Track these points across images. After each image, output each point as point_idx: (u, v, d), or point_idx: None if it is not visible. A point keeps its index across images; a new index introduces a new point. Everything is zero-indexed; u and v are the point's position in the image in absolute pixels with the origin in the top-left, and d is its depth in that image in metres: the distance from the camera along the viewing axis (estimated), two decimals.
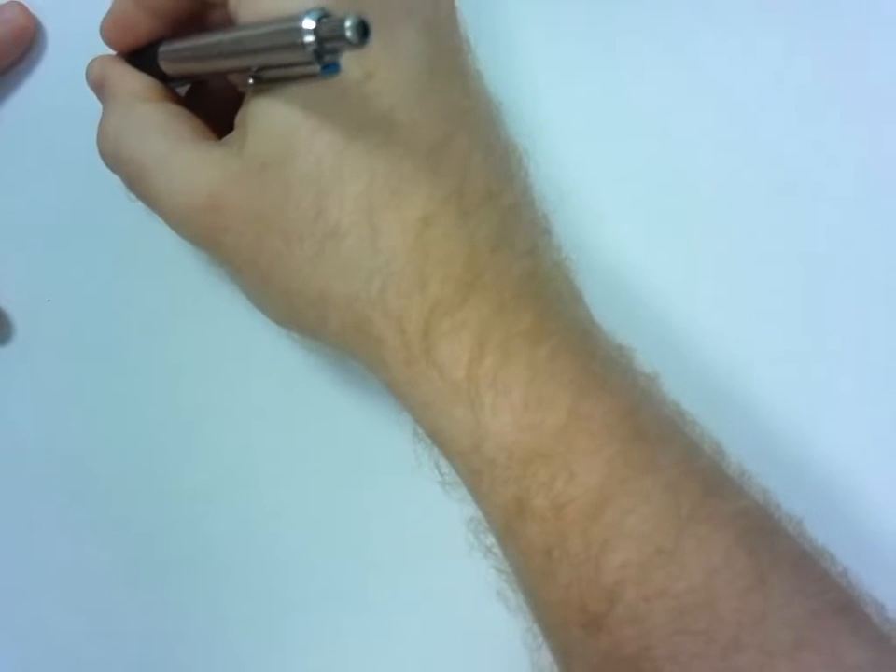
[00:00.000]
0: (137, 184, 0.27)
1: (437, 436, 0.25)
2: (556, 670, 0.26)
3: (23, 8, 0.32)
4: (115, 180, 0.32)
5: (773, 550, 0.24)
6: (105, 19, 0.29)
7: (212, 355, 0.33)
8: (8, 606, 0.33)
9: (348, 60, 0.21)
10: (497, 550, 0.27)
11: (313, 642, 0.32)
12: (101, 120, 0.28)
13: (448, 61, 0.25)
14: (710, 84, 0.32)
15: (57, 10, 0.33)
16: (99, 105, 0.32)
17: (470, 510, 0.26)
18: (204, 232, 0.26)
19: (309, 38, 0.20)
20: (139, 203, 0.32)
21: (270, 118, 0.24)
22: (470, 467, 0.24)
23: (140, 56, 0.29)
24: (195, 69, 0.27)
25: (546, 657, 0.26)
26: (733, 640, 0.22)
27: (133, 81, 0.28)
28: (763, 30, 0.32)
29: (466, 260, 0.24)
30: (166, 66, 0.28)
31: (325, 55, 0.20)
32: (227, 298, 0.32)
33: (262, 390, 0.33)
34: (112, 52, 0.30)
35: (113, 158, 0.27)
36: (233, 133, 0.26)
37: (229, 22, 0.25)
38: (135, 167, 0.26)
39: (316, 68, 0.20)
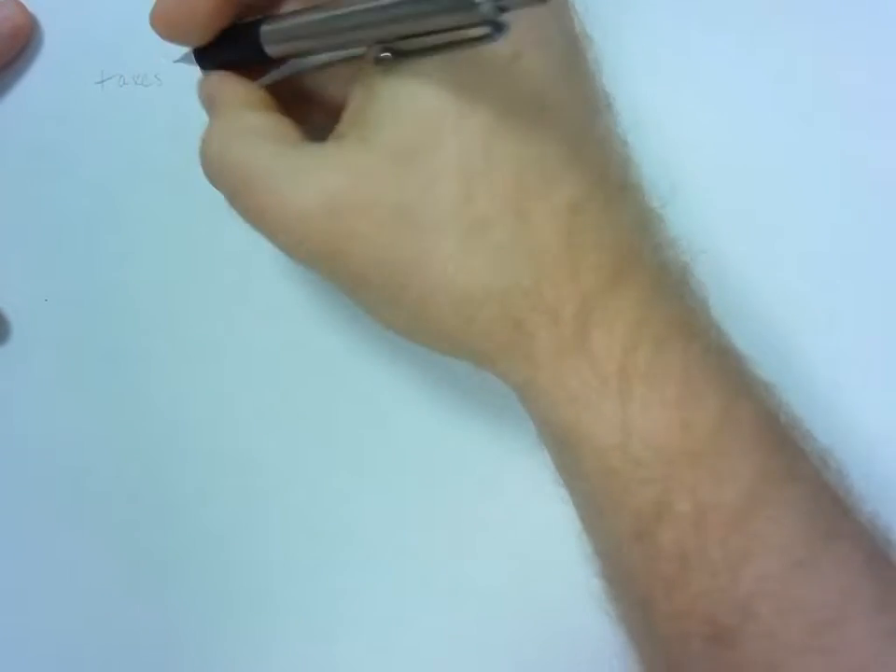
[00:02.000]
0: (242, 194, 0.25)
1: (573, 433, 0.23)
2: None
3: (20, 6, 0.32)
4: (113, 179, 0.32)
5: (891, 573, 0.23)
6: (155, 6, 0.26)
7: (210, 354, 0.32)
8: (8, 606, 0.33)
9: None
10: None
11: (323, 643, 0.32)
12: (205, 131, 0.26)
13: (578, 46, 0.25)
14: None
15: (54, 8, 0.32)
16: (96, 105, 0.32)
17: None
18: (324, 243, 0.23)
19: None
20: (139, 203, 0.32)
21: (410, 103, 0.23)
22: (608, 465, 0.23)
23: (213, 48, 0.27)
24: (313, 46, 0.25)
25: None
26: (860, 664, 0.21)
27: (238, 91, 0.27)
28: (764, 30, 0.31)
29: (614, 248, 0.23)
30: (277, 47, 0.25)
31: (499, 14, 0.18)
32: (226, 296, 0.32)
33: (264, 389, 0.32)
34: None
35: (217, 166, 0.26)
36: (345, 128, 0.25)
37: None
38: (242, 175, 0.24)
39: (482, 31, 0.19)
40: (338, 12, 0.23)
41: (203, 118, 0.32)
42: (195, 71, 0.32)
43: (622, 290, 0.23)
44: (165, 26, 0.27)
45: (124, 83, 0.32)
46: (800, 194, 0.31)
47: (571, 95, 0.24)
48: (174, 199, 0.32)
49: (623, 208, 0.24)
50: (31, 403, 0.33)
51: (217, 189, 0.26)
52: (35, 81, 0.32)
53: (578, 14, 0.25)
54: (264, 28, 0.25)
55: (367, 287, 0.24)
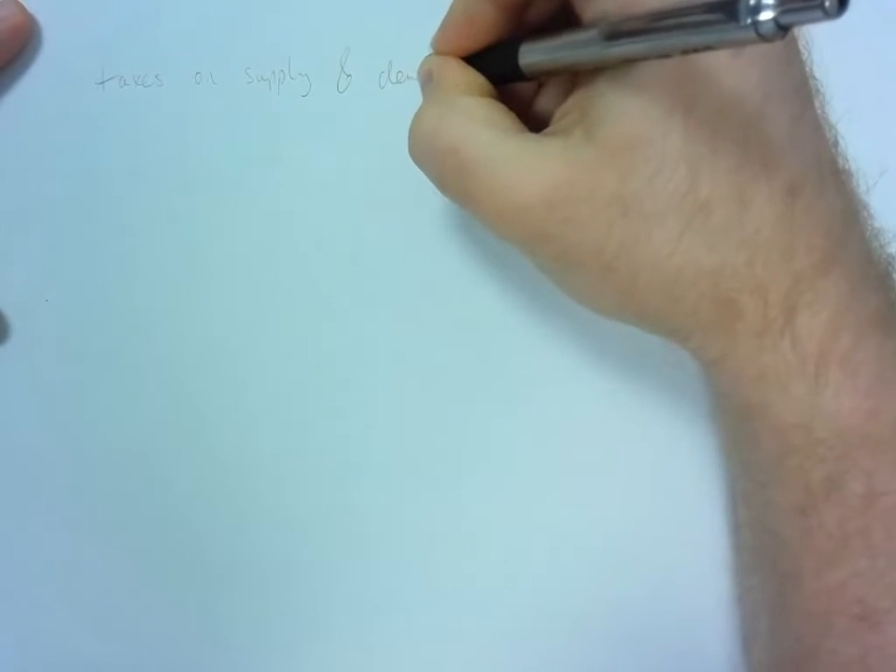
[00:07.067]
0: (455, 177, 0.25)
1: (756, 407, 0.25)
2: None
3: (20, 6, 0.32)
4: (113, 179, 0.32)
5: None
6: (442, 23, 0.28)
7: (210, 354, 0.32)
8: (7, 605, 0.33)
9: None
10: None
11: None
12: (419, 110, 0.27)
13: (792, 35, 0.25)
14: None
15: (54, 8, 0.32)
16: (96, 105, 0.32)
17: None
18: (537, 229, 0.24)
19: (767, 15, 0.17)
20: (139, 203, 0.32)
21: (636, 98, 0.23)
22: (788, 441, 0.24)
23: (472, 60, 0.28)
24: (569, 67, 0.25)
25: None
26: None
27: (460, 75, 0.27)
28: None
29: (826, 234, 0.24)
30: (535, 63, 0.26)
31: (780, 29, 0.18)
32: (226, 296, 0.32)
33: (262, 389, 0.32)
34: None
35: (428, 148, 0.26)
36: (563, 122, 0.26)
37: (548, 14, 0.26)
38: (456, 159, 0.25)
39: (754, 40, 0.18)
40: (607, 43, 0.23)
41: (203, 120, 0.32)
42: (194, 71, 0.32)
43: (831, 276, 0.24)
44: (446, 42, 0.28)
45: (124, 83, 0.32)
46: None
47: (790, 82, 0.24)
48: (174, 199, 0.32)
49: (835, 193, 0.24)
50: (31, 403, 0.33)
51: (421, 169, 0.27)
52: (35, 81, 0.32)
53: None
54: (524, 47, 0.26)
55: (575, 269, 0.25)
